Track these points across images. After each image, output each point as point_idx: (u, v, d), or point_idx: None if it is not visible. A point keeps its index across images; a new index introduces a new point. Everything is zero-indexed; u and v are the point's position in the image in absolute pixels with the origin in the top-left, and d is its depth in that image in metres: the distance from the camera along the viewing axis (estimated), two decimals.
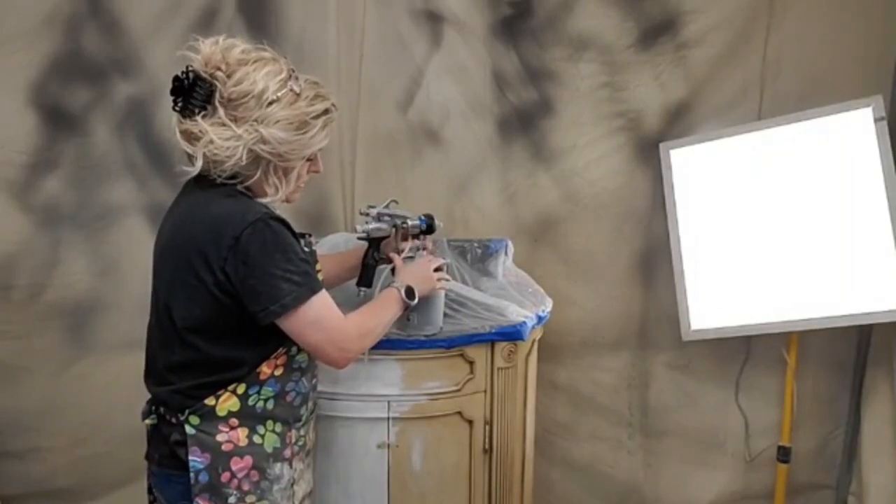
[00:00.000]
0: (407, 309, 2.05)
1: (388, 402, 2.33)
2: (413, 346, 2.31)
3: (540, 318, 2.53)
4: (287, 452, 1.87)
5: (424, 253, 2.29)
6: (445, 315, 2.36)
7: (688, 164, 2.79)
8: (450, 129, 2.85)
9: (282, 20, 2.70)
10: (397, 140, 2.84)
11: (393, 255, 2.24)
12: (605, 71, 2.82)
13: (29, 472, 2.80)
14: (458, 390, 2.38)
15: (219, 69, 1.70)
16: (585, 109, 2.85)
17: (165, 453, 1.81)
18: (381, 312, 1.97)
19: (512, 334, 2.38)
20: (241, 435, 1.80)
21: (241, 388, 1.79)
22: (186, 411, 1.77)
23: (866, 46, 2.74)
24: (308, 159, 1.84)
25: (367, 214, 2.31)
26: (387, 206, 2.33)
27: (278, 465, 1.85)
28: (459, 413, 2.39)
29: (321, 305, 1.76)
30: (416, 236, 2.32)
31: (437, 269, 2.21)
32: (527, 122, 2.87)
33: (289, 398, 1.87)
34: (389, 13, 2.76)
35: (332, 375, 2.23)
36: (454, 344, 2.33)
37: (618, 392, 3.02)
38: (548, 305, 2.61)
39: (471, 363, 2.38)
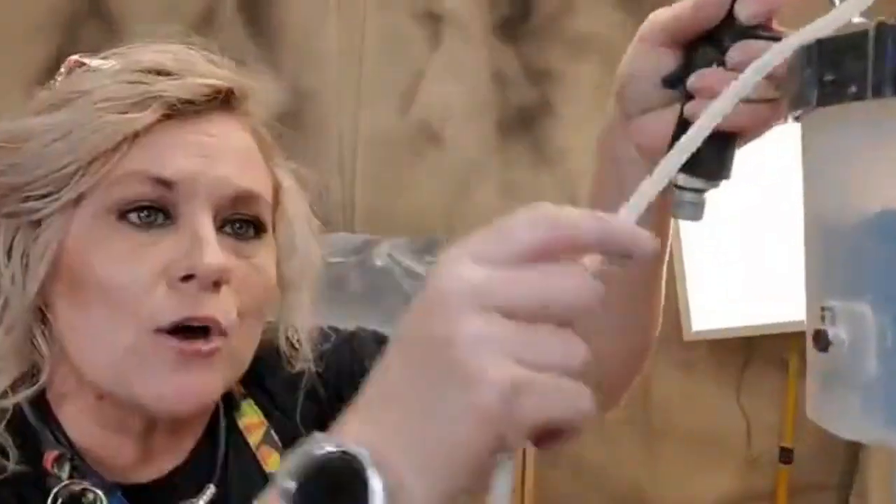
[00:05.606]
0: None
1: None
2: None
3: None
4: None
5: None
6: None
7: None
8: (450, 129, 2.85)
9: (281, 20, 2.70)
10: (397, 140, 2.84)
11: None
12: (605, 71, 2.82)
13: None
14: None
15: None
16: (586, 110, 2.84)
17: None
18: None
19: None
20: None
21: None
22: None
23: None
24: None
25: None
26: None
27: None
28: None
29: None
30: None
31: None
32: (527, 122, 2.86)
33: None
34: (389, 13, 2.76)
35: None
36: None
37: None
38: None
39: None
